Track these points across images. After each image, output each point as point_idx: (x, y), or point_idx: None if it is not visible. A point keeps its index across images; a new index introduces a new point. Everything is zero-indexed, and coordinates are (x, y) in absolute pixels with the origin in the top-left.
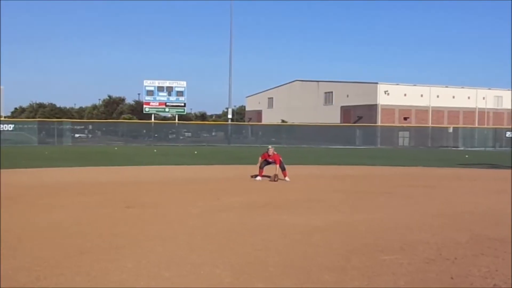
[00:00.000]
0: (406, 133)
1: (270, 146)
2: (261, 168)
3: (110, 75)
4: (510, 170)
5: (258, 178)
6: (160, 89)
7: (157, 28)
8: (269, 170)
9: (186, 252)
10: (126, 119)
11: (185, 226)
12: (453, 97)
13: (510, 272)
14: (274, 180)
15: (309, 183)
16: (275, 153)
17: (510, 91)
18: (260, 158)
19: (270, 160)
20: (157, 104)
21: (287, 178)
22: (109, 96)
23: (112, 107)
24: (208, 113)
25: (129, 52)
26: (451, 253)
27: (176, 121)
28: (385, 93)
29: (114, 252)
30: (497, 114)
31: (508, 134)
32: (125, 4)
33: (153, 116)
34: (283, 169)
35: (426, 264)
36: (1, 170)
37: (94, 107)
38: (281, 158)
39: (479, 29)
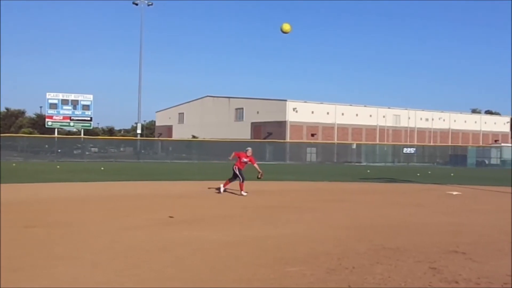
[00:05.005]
0: (314, 149)
1: (249, 148)
2: (230, 179)
3: (8, 86)
4: (405, 184)
5: (222, 189)
6: (65, 102)
7: (63, 39)
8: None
9: (90, 272)
10: (26, 133)
11: (91, 245)
12: (357, 115)
13: (402, 278)
14: (258, 178)
15: (224, 198)
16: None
17: (407, 111)
18: (234, 154)
19: (245, 160)
20: (61, 118)
21: (243, 192)
22: (7, 109)
23: (10, 120)
24: (116, 128)
25: (31, 62)
26: (350, 262)
27: (82, 135)
28: (294, 110)
29: (11, 274)
30: (396, 131)
31: (405, 150)
32: (30, 10)
33: (56, 130)
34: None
35: (327, 274)
36: None
37: None
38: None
39: (380, 49)
